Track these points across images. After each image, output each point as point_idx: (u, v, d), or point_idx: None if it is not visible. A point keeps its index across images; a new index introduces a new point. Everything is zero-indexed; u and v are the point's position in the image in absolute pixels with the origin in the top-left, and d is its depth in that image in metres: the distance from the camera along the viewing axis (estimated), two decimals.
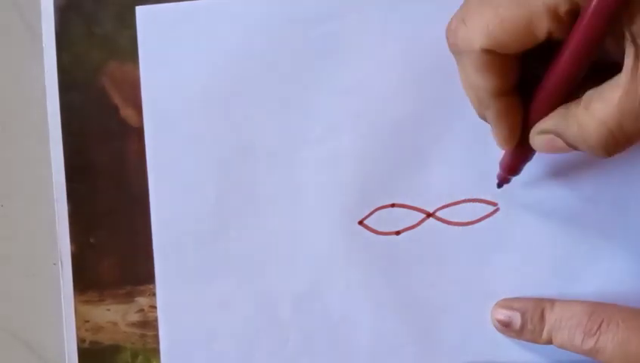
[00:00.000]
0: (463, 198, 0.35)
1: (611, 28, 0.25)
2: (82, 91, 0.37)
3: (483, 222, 0.35)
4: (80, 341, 0.37)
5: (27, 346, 0.38)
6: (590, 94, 0.27)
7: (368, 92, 0.35)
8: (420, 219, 0.35)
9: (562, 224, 0.35)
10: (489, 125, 0.31)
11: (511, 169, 0.33)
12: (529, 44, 0.27)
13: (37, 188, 0.38)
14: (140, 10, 0.36)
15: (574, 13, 0.26)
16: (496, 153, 0.34)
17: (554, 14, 0.26)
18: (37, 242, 0.38)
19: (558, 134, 0.28)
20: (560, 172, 0.35)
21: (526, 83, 0.30)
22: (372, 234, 0.35)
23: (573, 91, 0.28)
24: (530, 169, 0.34)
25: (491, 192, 0.35)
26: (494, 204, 0.35)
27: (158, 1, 0.36)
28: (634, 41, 0.25)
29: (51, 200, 0.37)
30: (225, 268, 0.36)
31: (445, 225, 0.35)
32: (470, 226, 0.35)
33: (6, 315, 0.38)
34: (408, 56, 0.35)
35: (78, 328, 0.37)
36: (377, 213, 0.36)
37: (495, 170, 0.34)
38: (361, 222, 0.36)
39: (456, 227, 0.35)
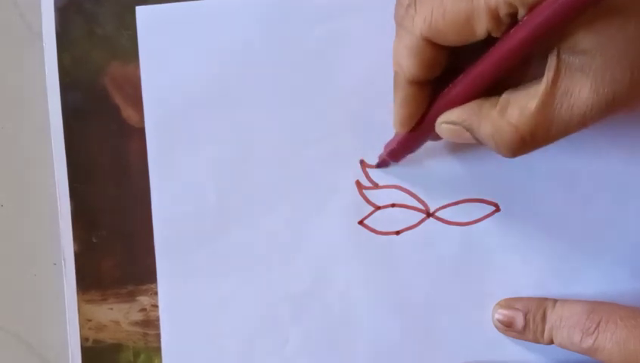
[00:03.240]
0: (463, 198, 0.35)
1: (544, 39, 0.26)
2: (83, 91, 0.37)
3: (483, 222, 0.35)
4: (83, 340, 0.37)
5: (28, 346, 0.38)
6: (506, 98, 0.28)
7: (368, 92, 0.35)
8: (420, 219, 0.35)
9: (562, 224, 0.35)
10: (393, 102, 0.31)
11: (394, 154, 0.34)
12: (466, 39, 0.28)
13: (38, 188, 0.38)
14: (140, 10, 0.36)
15: (513, 18, 0.26)
16: (496, 154, 0.34)
17: (494, 14, 0.26)
18: (38, 242, 0.38)
19: (468, 128, 0.29)
20: (559, 172, 0.35)
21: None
22: (372, 234, 0.36)
23: (488, 90, 0.29)
24: (530, 168, 0.34)
25: (491, 192, 0.35)
26: (494, 204, 0.35)
27: (158, 1, 0.36)
28: (558, 56, 0.26)
29: (52, 200, 0.37)
30: (226, 267, 0.36)
31: (445, 225, 0.35)
32: (470, 226, 0.35)
33: (7, 315, 0.38)
34: None
35: (81, 327, 0.37)
36: (377, 213, 0.36)
37: (495, 171, 0.34)
38: (361, 222, 0.36)
39: (456, 227, 0.35)
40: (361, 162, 0.35)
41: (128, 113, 0.37)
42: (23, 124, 0.38)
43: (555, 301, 0.33)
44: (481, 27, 0.27)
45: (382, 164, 0.35)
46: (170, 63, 0.36)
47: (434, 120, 0.30)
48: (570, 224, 0.35)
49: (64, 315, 0.37)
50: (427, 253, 0.35)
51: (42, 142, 0.37)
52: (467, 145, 0.33)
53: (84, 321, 0.37)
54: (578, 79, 0.26)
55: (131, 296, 0.37)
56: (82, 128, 0.37)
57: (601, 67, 0.26)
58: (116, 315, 0.37)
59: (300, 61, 0.35)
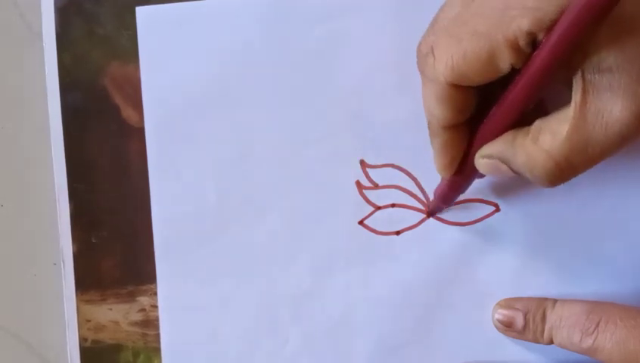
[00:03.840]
0: (463, 198, 0.35)
1: (565, 62, 0.26)
2: (83, 91, 0.37)
3: (483, 222, 0.35)
4: (82, 340, 0.37)
5: (28, 346, 0.38)
6: (538, 125, 0.28)
7: (368, 92, 0.35)
8: (420, 219, 0.35)
9: (562, 224, 0.35)
10: (432, 149, 0.31)
11: (445, 198, 0.34)
12: (492, 76, 0.28)
13: (37, 188, 0.38)
14: (140, 10, 0.36)
15: (534, 45, 0.26)
16: None
17: (514, 46, 0.26)
18: (37, 242, 0.38)
19: (504, 161, 0.29)
20: None
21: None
22: (372, 234, 0.36)
23: (521, 119, 0.28)
24: None
25: (491, 192, 0.35)
26: (494, 204, 0.35)
27: (158, 1, 0.36)
28: (583, 77, 0.26)
29: (52, 200, 0.37)
30: (226, 267, 0.36)
31: (445, 225, 0.35)
32: (470, 226, 0.35)
33: (6, 315, 0.38)
34: (407, 56, 0.35)
35: (80, 327, 0.37)
36: (377, 213, 0.36)
37: None
38: (361, 222, 0.36)
39: (456, 227, 0.35)
40: (361, 162, 0.36)
41: (128, 113, 0.37)
42: (23, 124, 0.38)
43: (555, 301, 0.33)
44: (504, 62, 0.27)
45: (436, 211, 0.35)
46: (170, 63, 0.36)
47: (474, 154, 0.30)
48: (570, 224, 0.35)
49: (64, 315, 0.37)
50: (427, 253, 0.35)
51: (42, 142, 0.37)
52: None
53: (83, 321, 0.37)
54: (608, 98, 0.26)
55: (130, 297, 0.37)
56: (82, 128, 0.37)
57: (629, 83, 0.25)
58: (116, 316, 0.37)
59: (300, 61, 0.35)
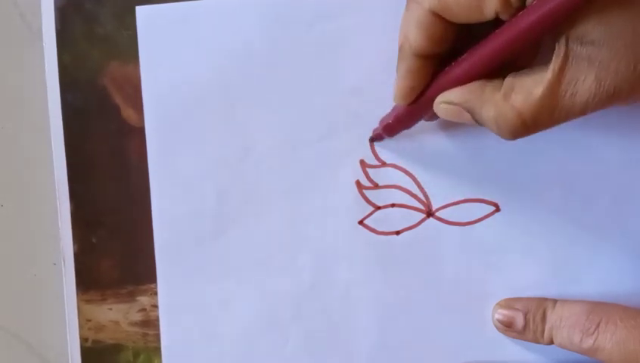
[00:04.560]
0: (463, 198, 0.35)
1: (552, 26, 0.26)
2: (83, 91, 0.37)
3: (483, 222, 0.35)
4: (82, 340, 0.37)
5: (28, 346, 0.38)
6: (510, 82, 0.28)
7: (368, 92, 0.35)
8: (420, 219, 0.35)
9: (562, 224, 0.35)
10: (396, 74, 0.31)
11: (389, 128, 0.34)
12: (475, 17, 0.28)
13: (38, 188, 0.38)
14: (140, 10, 0.36)
15: (522, 2, 0.27)
16: (496, 154, 0.34)
17: None
18: (37, 242, 0.38)
19: (469, 110, 0.29)
20: (559, 172, 0.35)
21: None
22: (372, 234, 0.36)
23: (492, 71, 0.29)
24: (530, 168, 0.34)
25: (491, 192, 0.35)
26: (494, 204, 0.35)
27: (158, 1, 0.36)
28: (567, 45, 0.26)
29: (52, 200, 0.37)
30: (226, 267, 0.36)
31: (445, 225, 0.35)
32: (470, 226, 0.35)
33: (7, 315, 0.38)
34: None
35: (80, 327, 0.37)
36: (377, 213, 0.36)
37: (495, 171, 0.34)
38: (361, 222, 0.36)
39: (456, 227, 0.35)
40: (361, 162, 0.35)
41: (128, 112, 0.37)
42: (23, 124, 0.38)
43: (555, 301, 0.33)
44: (490, 8, 0.27)
45: (376, 138, 0.35)
46: (170, 63, 0.36)
47: (434, 97, 0.30)
48: (570, 224, 0.35)
49: (64, 315, 0.37)
50: (427, 253, 0.35)
51: (42, 142, 0.37)
52: (465, 144, 0.33)
53: (83, 321, 0.37)
54: (584, 68, 0.26)
55: (130, 296, 0.37)
56: (82, 128, 0.37)
57: (607, 59, 0.26)
58: (116, 315, 0.37)
59: (300, 61, 0.35)
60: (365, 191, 0.36)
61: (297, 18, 0.35)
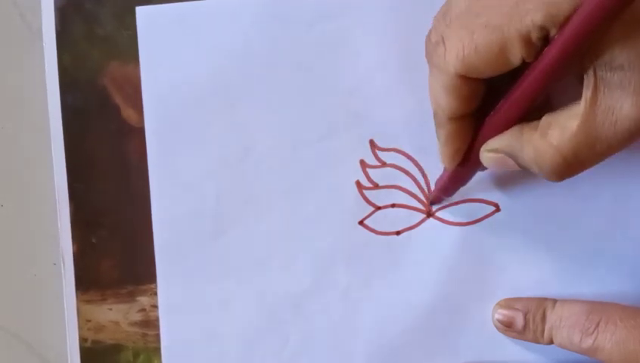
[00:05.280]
0: (463, 198, 0.35)
1: (577, 58, 0.26)
2: (83, 91, 0.37)
3: (483, 222, 0.35)
4: (82, 340, 0.37)
5: (28, 346, 0.38)
6: (547, 120, 0.28)
7: (368, 92, 0.35)
8: (420, 219, 0.35)
9: (562, 224, 0.35)
10: (437, 140, 0.31)
11: (446, 189, 0.34)
12: (502, 69, 0.28)
13: (37, 188, 0.38)
14: (140, 10, 0.36)
15: (545, 40, 0.26)
16: None
17: (526, 40, 0.26)
18: (37, 242, 0.38)
19: (511, 155, 0.29)
20: None
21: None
22: (372, 234, 0.36)
23: (527, 114, 0.28)
24: None
25: (491, 192, 0.35)
26: (494, 204, 0.35)
27: (158, 1, 0.36)
28: (595, 74, 0.26)
29: (51, 200, 0.37)
30: (226, 267, 0.36)
31: (445, 225, 0.35)
32: (470, 226, 0.35)
33: (6, 315, 0.38)
34: (407, 56, 0.35)
35: (80, 328, 0.37)
36: (377, 213, 0.36)
37: (495, 171, 0.34)
38: (361, 222, 0.36)
39: (456, 227, 0.35)
40: (361, 162, 0.35)
41: (128, 113, 0.37)
42: (23, 124, 0.38)
43: (555, 301, 0.33)
44: (515, 56, 0.27)
45: (435, 201, 0.35)
46: (170, 63, 0.36)
47: (479, 148, 0.30)
48: (570, 224, 0.35)
49: (64, 315, 0.37)
50: (427, 253, 0.35)
51: (42, 142, 0.37)
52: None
53: (83, 321, 0.37)
54: (618, 95, 0.26)
55: (130, 297, 0.37)
56: (82, 128, 0.37)
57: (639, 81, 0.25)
58: (116, 316, 0.37)
59: (300, 61, 0.35)
60: (365, 191, 0.36)
61: (297, 18, 0.35)
